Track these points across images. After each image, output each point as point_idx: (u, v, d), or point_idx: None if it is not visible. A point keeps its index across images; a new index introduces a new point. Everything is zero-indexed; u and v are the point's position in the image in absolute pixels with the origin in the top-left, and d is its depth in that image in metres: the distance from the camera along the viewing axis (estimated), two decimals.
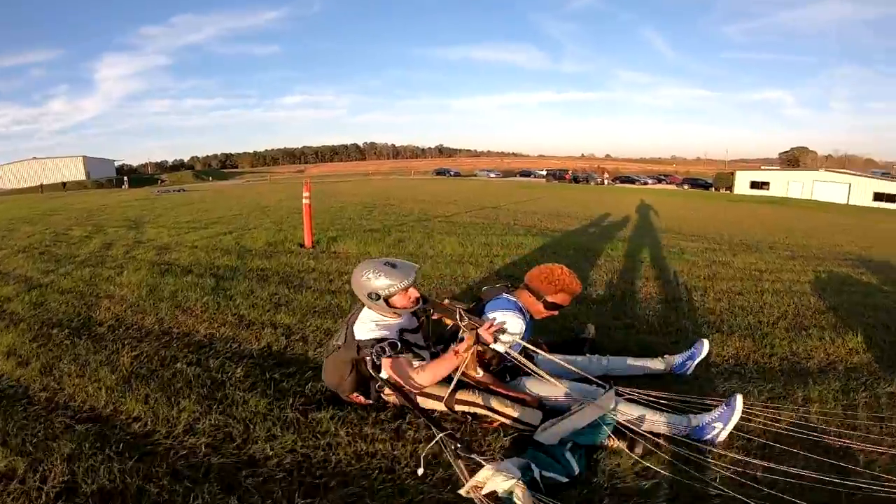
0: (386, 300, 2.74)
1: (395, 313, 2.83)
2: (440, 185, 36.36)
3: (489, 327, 2.68)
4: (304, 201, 7.54)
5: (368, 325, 2.77)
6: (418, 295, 2.88)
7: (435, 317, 3.09)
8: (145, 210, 14.83)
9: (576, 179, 65.37)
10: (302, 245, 7.57)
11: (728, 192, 59.04)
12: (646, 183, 69.59)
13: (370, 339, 2.66)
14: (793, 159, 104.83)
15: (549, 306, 3.07)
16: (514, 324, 2.93)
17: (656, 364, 3.44)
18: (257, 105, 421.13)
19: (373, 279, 2.72)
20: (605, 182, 65.39)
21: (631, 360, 3.45)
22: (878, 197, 51.44)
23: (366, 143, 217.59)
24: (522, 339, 2.93)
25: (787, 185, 57.57)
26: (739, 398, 2.65)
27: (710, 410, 2.69)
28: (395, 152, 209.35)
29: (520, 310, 3.02)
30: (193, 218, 12.00)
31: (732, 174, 64.25)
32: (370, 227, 9.87)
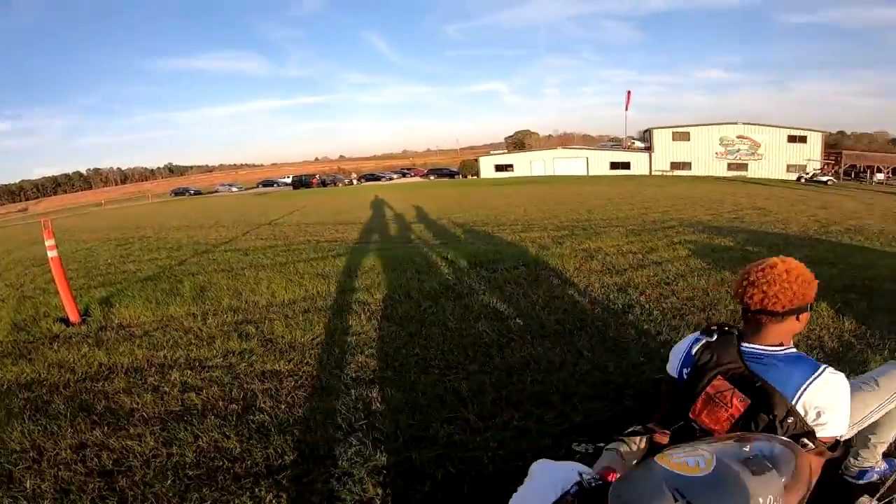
0: None
1: None
2: (187, 207, 34.30)
3: None
4: (51, 254, 5.24)
5: None
6: None
7: None
8: None
9: (324, 183, 66.30)
10: (66, 320, 5.30)
11: (475, 177, 64.69)
12: (391, 178, 74.41)
13: None
14: (518, 142, 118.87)
15: None
16: (847, 399, 1.88)
17: None
18: None
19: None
20: (355, 182, 67.93)
21: None
22: (615, 166, 62.81)
23: (89, 169, 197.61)
24: None
25: (530, 164, 65.42)
26: None
27: None
28: (123, 177, 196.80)
29: None
30: None
31: (476, 160, 70.41)
32: (145, 275, 7.80)
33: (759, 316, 1.97)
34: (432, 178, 70.21)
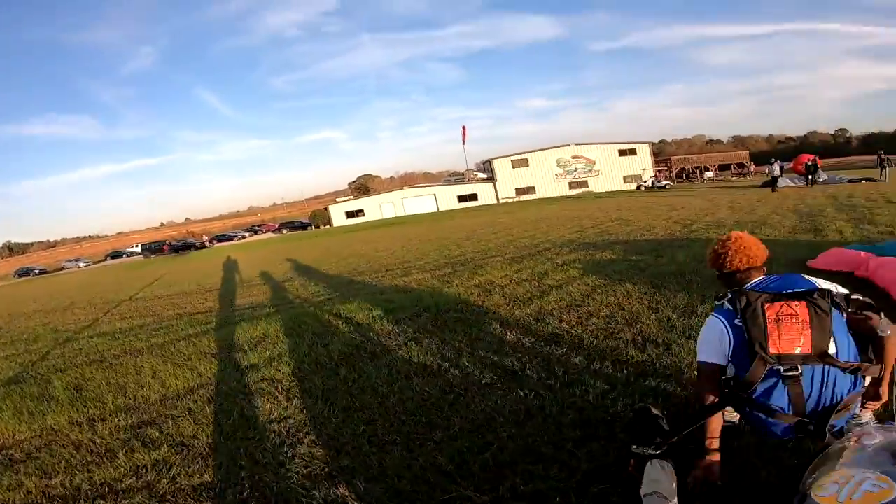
0: None
1: None
2: (35, 288, 31.10)
3: None
4: None
5: None
6: None
7: None
8: None
9: (176, 249, 62.54)
10: None
11: (328, 226, 64.07)
12: (244, 237, 72.21)
13: None
14: (362, 186, 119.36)
15: None
16: None
17: None
18: None
19: None
20: (207, 244, 65.10)
21: None
22: (462, 198, 65.34)
23: None
24: None
25: (380, 207, 65.95)
26: None
27: None
28: None
29: None
30: None
31: (326, 209, 69.69)
32: (5, 377, 6.68)
33: (748, 271, 2.64)
34: (285, 231, 68.78)
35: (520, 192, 64.90)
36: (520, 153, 66.51)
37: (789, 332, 2.22)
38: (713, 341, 2.41)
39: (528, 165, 65.69)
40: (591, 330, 4.98)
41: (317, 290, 10.65)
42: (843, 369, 2.21)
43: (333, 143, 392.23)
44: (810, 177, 29.47)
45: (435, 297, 7.53)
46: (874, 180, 28.54)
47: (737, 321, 2.33)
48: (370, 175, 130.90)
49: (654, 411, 2.72)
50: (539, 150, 66.30)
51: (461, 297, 7.23)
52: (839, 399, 2.22)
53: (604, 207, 26.74)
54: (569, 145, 66.07)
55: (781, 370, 2.23)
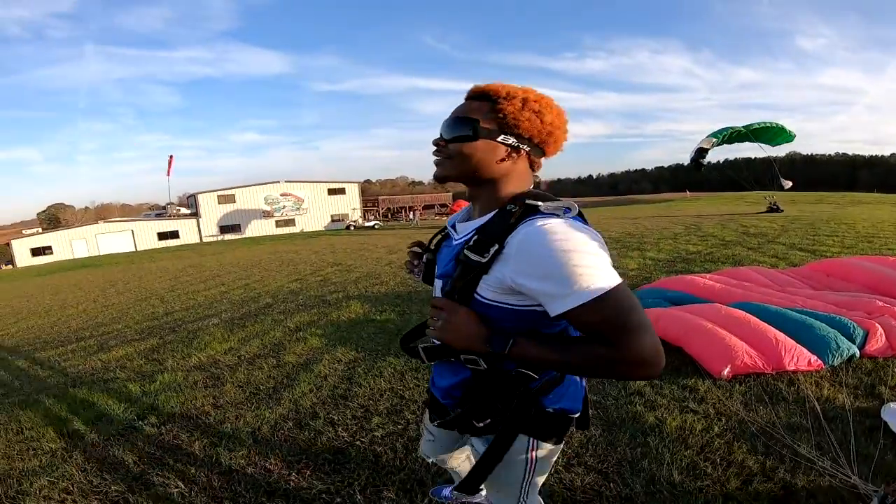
0: None
1: None
2: None
3: None
4: None
5: None
6: None
7: None
8: None
9: None
10: None
11: (10, 267, 53.33)
12: None
13: None
14: (53, 218, 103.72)
15: None
16: None
17: None
18: None
19: None
20: None
21: None
22: (163, 236, 59.67)
23: None
24: None
25: (71, 244, 56.74)
26: None
27: None
28: None
29: None
30: None
31: (8, 245, 57.67)
32: None
33: None
34: None
35: (224, 230, 61.28)
36: (227, 188, 62.88)
37: None
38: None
39: (234, 202, 62.31)
40: (379, 437, 3.75)
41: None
42: None
43: (26, 164, 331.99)
44: None
45: (142, 395, 5.22)
46: None
47: None
48: (62, 205, 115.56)
49: None
50: (247, 185, 63.44)
51: (180, 389, 5.20)
52: None
53: (317, 249, 25.71)
54: (278, 182, 64.22)
55: None
